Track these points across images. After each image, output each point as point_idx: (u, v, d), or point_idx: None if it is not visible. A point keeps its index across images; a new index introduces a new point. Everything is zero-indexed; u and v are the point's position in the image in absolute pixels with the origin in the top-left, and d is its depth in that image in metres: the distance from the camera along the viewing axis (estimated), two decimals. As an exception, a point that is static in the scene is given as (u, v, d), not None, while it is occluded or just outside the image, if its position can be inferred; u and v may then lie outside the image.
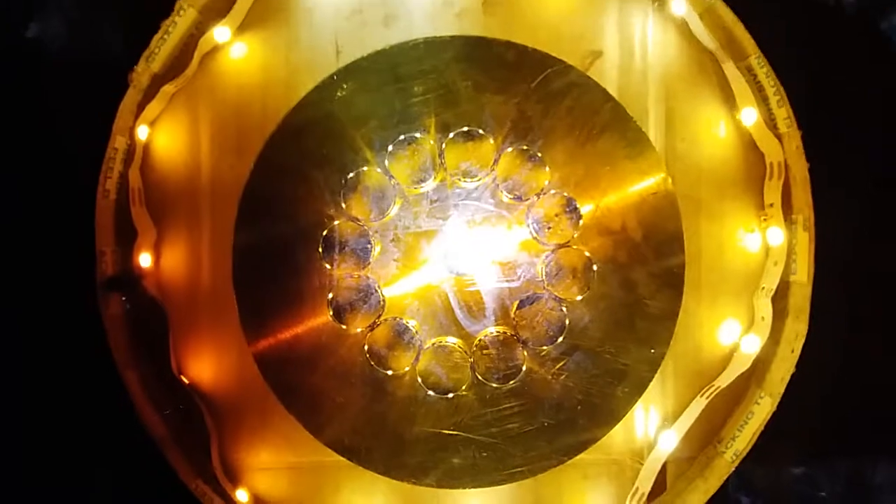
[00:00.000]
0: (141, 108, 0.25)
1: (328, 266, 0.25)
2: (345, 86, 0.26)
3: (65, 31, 0.24)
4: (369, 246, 0.25)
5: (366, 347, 0.25)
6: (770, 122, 0.26)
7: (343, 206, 0.25)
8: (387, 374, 0.25)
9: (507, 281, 0.25)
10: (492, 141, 0.26)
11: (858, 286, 0.24)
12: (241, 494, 0.25)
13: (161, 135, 0.25)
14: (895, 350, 0.24)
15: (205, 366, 0.25)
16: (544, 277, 0.25)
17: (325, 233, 0.25)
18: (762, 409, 0.25)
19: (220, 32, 0.25)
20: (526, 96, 0.26)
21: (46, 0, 0.24)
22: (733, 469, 0.24)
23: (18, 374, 0.24)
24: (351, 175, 0.25)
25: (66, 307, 0.24)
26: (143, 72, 0.24)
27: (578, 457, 0.26)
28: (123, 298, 0.24)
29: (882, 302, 0.24)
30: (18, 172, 0.24)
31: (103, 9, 0.24)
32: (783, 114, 0.26)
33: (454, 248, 0.25)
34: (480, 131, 0.26)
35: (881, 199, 0.24)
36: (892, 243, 0.24)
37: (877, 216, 0.24)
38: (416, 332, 0.25)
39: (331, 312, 0.24)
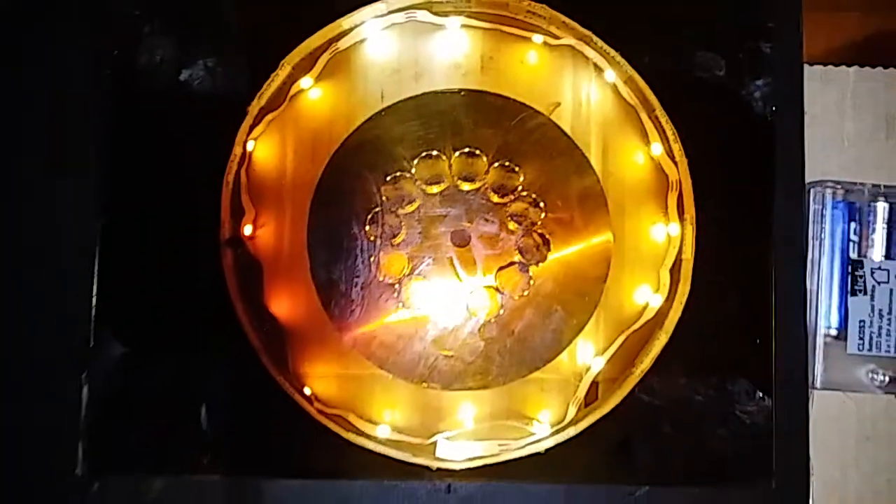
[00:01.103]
0: (251, 129, 0.37)
1: (373, 237, 0.37)
2: (386, 119, 0.38)
3: (207, 76, 0.36)
4: (400, 222, 0.37)
5: (397, 293, 0.37)
6: (669, 153, 0.38)
7: (384, 198, 0.37)
8: (408, 312, 0.37)
9: (492, 250, 0.37)
10: (484, 159, 0.38)
11: (725, 262, 0.37)
12: (307, 391, 0.36)
13: (262, 147, 0.38)
14: (743, 302, 0.36)
15: (285, 305, 0.37)
16: (518, 249, 0.37)
17: (369, 215, 0.37)
18: (661, 342, 0.37)
19: (305, 81, 0.38)
20: (508, 130, 0.38)
21: (194, 53, 0.36)
22: (639, 380, 0.36)
23: (158, 306, 0.36)
24: (389, 177, 0.38)
25: (196, 259, 0.36)
26: (255, 105, 0.37)
27: (535, 375, 0.38)
28: (235, 254, 0.36)
29: (742, 269, 0.37)
30: (172, 169, 0.36)
31: (233, 64, 0.36)
32: (678, 147, 0.38)
33: (457, 227, 0.37)
34: (477, 151, 0.38)
35: (739, 205, 0.37)
36: (741, 238, 0.37)
37: (734, 216, 0.37)
38: (427, 277, 0.37)
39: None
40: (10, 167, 0.37)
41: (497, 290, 0.37)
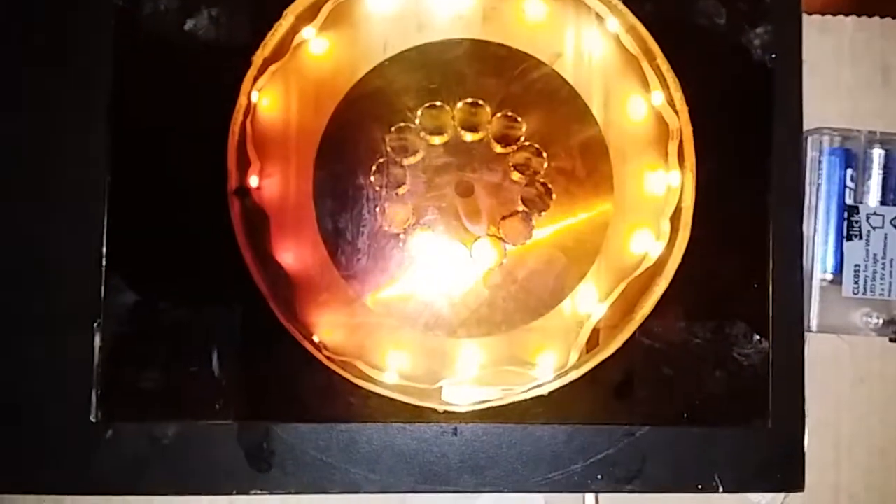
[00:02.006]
0: (255, 80, 0.37)
1: (378, 187, 0.38)
2: (389, 70, 0.39)
3: (210, 26, 0.36)
4: (405, 172, 0.38)
5: (402, 242, 0.38)
6: (670, 101, 0.39)
7: (389, 148, 0.38)
8: (413, 261, 0.37)
9: (495, 199, 0.38)
10: (488, 109, 0.39)
11: (723, 210, 0.38)
12: (315, 338, 0.37)
13: (266, 98, 0.38)
14: (741, 247, 0.37)
15: (292, 254, 0.38)
16: (521, 199, 0.38)
17: (374, 165, 0.38)
18: (661, 288, 0.38)
19: (307, 31, 0.38)
20: (511, 80, 0.39)
21: (198, 3, 0.36)
22: (639, 324, 0.37)
23: (167, 256, 0.36)
24: (393, 128, 0.38)
25: (204, 208, 0.36)
26: (259, 56, 0.37)
27: (538, 322, 0.39)
28: (242, 203, 0.37)
29: (740, 216, 0.38)
30: (178, 120, 0.36)
31: (237, 13, 0.37)
32: (679, 96, 0.38)
33: (461, 177, 0.38)
34: (480, 101, 0.38)
35: (738, 153, 0.38)
36: (740, 185, 0.37)
37: (733, 164, 0.38)
38: (432, 226, 0.38)
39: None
40: (15, 120, 0.37)
41: (500, 238, 0.38)
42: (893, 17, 0.41)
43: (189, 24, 0.36)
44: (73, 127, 0.37)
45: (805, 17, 0.39)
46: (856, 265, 0.38)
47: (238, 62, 0.36)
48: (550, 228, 0.38)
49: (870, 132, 0.38)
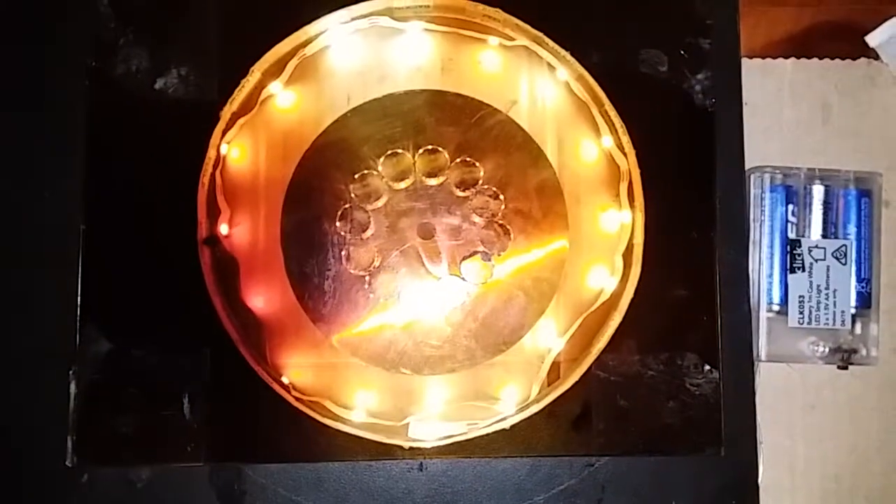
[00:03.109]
0: (224, 133, 0.40)
1: (343, 232, 0.40)
2: (353, 120, 0.41)
3: (180, 85, 0.38)
4: (369, 217, 0.40)
5: (367, 284, 0.40)
6: (619, 145, 0.41)
7: (353, 195, 0.40)
8: (378, 302, 0.39)
9: (456, 241, 0.40)
10: (446, 155, 0.41)
11: (673, 245, 0.40)
12: (285, 380, 0.39)
13: (235, 150, 0.40)
14: (690, 282, 0.39)
15: (262, 298, 0.40)
16: (480, 240, 0.40)
17: (340, 211, 0.40)
18: (615, 322, 0.40)
19: (274, 86, 0.40)
20: (468, 128, 0.41)
21: (168, 63, 0.39)
22: (595, 357, 0.39)
23: (140, 304, 0.38)
24: (357, 175, 0.40)
25: (175, 258, 0.38)
26: (227, 110, 0.39)
27: (500, 357, 0.41)
28: (212, 251, 0.39)
29: (688, 251, 0.40)
30: (150, 173, 0.38)
31: (205, 71, 0.39)
32: (627, 140, 0.41)
33: (422, 221, 0.40)
34: (439, 149, 0.41)
35: (685, 191, 0.40)
36: (687, 222, 0.40)
37: (680, 202, 0.40)
38: (395, 268, 0.40)
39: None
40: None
41: (461, 278, 0.40)
42: (831, 59, 0.44)
43: (160, 83, 0.38)
44: (49, 177, 0.39)
45: (746, 60, 0.42)
46: (800, 296, 0.40)
47: (207, 117, 0.39)
48: (510, 267, 0.40)
49: (809, 169, 0.41)
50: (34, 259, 0.38)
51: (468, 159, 0.41)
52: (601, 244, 0.41)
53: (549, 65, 0.41)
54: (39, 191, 0.39)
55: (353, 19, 0.41)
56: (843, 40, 0.43)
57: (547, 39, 0.41)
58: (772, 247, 0.40)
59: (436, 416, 0.39)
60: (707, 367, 0.39)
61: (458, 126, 0.41)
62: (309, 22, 0.40)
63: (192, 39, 0.39)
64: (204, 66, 0.39)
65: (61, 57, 0.39)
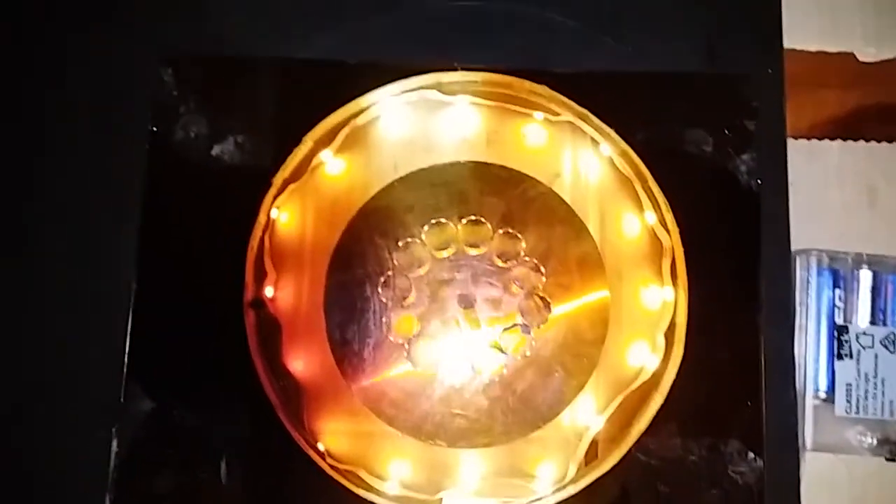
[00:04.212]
0: (275, 198, 0.41)
1: (385, 299, 0.41)
2: (399, 188, 0.42)
3: (236, 151, 0.40)
4: (410, 285, 0.41)
5: (406, 352, 0.40)
6: (662, 221, 0.42)
7: (396, 262, 0.41)
8: (416, 371, 0.40)
9: (496, 312, 0.41)
10: (489, 226, 0.42)
11: (716, 326, 0.40)
12: (321, 446, 0.39)
13: (284, 214, 0.42)
14: (734, 365, 0.39)
15: (301, 362, 0.40)
16: (520, 312, 0.41)
17: (382, 278, 0.41)
18: (656, 403, 0.40)
19: (325, 154, 0.42)
20: (511, 199, 0.42)
21: (225, 131, 0.41)
22: (636, 440, 0.39)
23: (184, 363, 0.39)
24: (401, 242, 0.41)
25: (221, 319, 0.40)
26: (279, 176, 0.41)
27: (537, 433, 0.40)
28: (257, 314, 0.40)
29: (732, 333, 0.40)
30: (201, 235, 0.40)
31: (260, 139, 0.41)
32: (670, 217, 0.41)
33: (463, 290, 0.41)
34: (482, 219, 0.42)
35: (729, 272, 0.40)
36: (731, 303, 0.40)
37: (725, 282, 0.40)
38: (435, 337, 0.40)
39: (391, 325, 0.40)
40: (51, 228, 0.41)
41: (500, 350, 0.40)
42: (878, 141, 0.44)
43: (216, 150, 0.40)
44: (104, 237, 0.41)
45: (791, 141, 0.43)
46: (847, 384, 0.39)
47: (260, 183, 0.40)
48: (549, 341, 0.41)
49: (857, 254, 0.41)
50: (85, 315, 0.40)
51: (511, 231, 0.42)
52: (643, 321, 0.41)
53: (593, 140, 0.42)
54: (95, 248, 0.40)
55: (403, 92, 0.42)
56: (890, 123, 0.43)
57: (591, 116, 0.42)
58: (818, 332, 0.40)
59: (471, 492, 0.39)
60: (751, 455, 0.38)
61: (501, 197, 0.42)
62: (361, 94, 0.42)
63: (249, 109, 0.41)
64: (260, 134, 0.41)
65: (125, 121, 0.41)
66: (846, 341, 0.39)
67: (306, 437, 0.39)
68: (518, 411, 0.40)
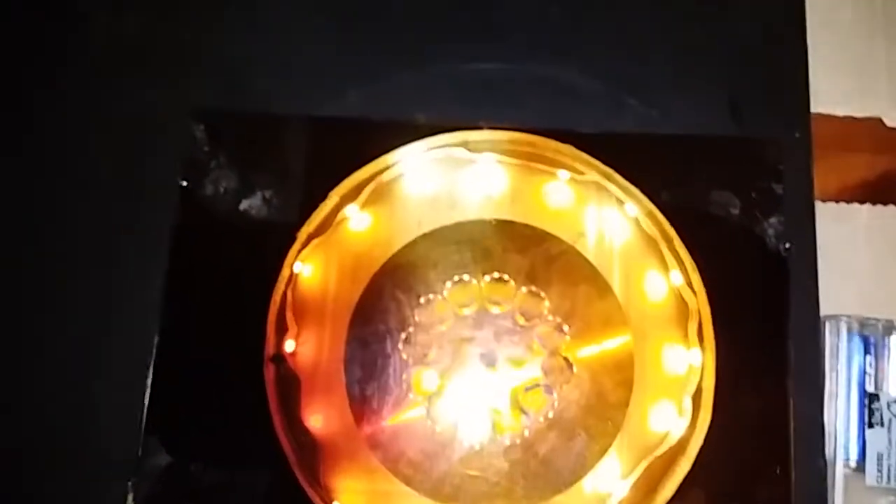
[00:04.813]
0: (299, 252, 0.42)
1: (405, 356, 0.41)
2: (423, 245, 0.43)
3: (263, 206, 0.41)
4: (432, 342, 0.41)
5: (426, 411, 0.40)
6: (688, 283, 0.42)
7: (417, 318, 0.41)
8: (435, 431, 0.40)
9: (518, 371, 0.40)
10: (513, 284, 0.42)
11: (744, 392, 0.39)
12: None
13: (307, 267, 0.42)
14: (762, 431, 0.38)
15: (320, 418, 0.40)
16: (543, 371, 0.40)
17: (403, 335, 0.41)
18: (683, 469, 0.39)
19: (350, 209, 0.43)
20: (535, 257, 0.42)
21: (253, 186, 0.41)
22: (662, 509, 0.38)
23: (203, 417, 0.39)
24: (423, 299, 0.42)
25: (241, 373, 0.40)
26: (304, 231, 0.42)
27: (559, 497, 0.40)
28: (277, 369, 0.40)
29: (760, 399, 0.39)
30: (225, 288, 0.41)
31: (288, 194, 0.42)
32: (696, 278, 0.41)
33: (485, 349, 0.41)
34: (506, 277, 0.42)
35: (757, 336, 0.40)
36: (759, 368, 0.39)
37: (752, 347, 0.40)
38: (456, 396, 0.40)
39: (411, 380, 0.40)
40: (75, 279, 0.42)
41: (522, 411, 0.40)
42: (907, 205, 0.44)
43: (244, 204, 0.41)
44: (129, 289, 0.41)
45: (820, 204, 0.43)
46: (878, 453, 0.38)
47: (284, 237, 0.41)
48: (572, 402, 0.40)
49: (888, 320, 0.40)
50: (106, 367, 0.40)
51: (534, 289, 0.42)
52: (669, 384, 0.40)
53: (618, 199, 0.43)
54: (118, 300, 0.41)
55: (429, 150, 0.43)
56: (919, 187, 0.43)
57: (616, 175, 0.42)
58: (848, 399, 0.39)
59: (490, 558, 0.38)
60: (781, 527, 0.37)
61: (525, 255, 0.42)
62: (388, 151, 0.42)
63: (277, 164, 0.42)
64: (287, 189, 0.42)
65: (153, 174, 0.42)
66: (877, 409, 0.38)
67: (322, 494, 0.38)
68: (539, 475, 0.39)
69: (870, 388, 0.39)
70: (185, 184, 0.41)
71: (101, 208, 0.43)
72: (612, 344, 0.41)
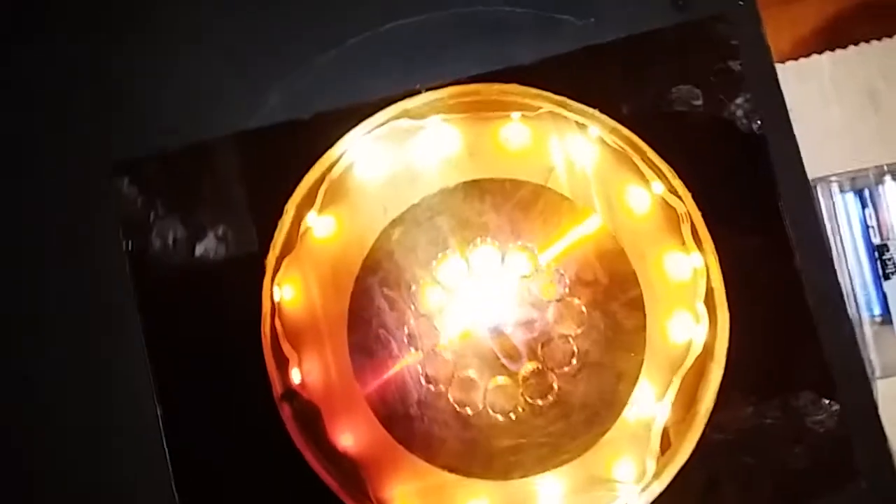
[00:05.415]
0: (273, 279, 0.39)
1: (414, 349, 0.39)
2: (395, 232, 0.41)
3: (220, 245, 0.38)
4: (436, 329, 0.39)
5: (451, 398, 0.39)
6: (671, 189, 0.40)
7: (414, 308, 0.40)
8: (467, 414, 0.39)
9: (530, 333, 0.39)
10: (498, 245, 0.40)
11: (754, 280, 0.39)
12: (390, 516, 0.38)
13: (287, 291, 0.40)
14: (783, 314, 0.38)
15: (350, 436, 0.39)
16: (554, 324, 0.39)
17: (406, 330, 0.40)
18: (716, 376, 0.39)
19: (310, 217, 0.40)
20: (513, 209, 0.41)
21: (203, 228, 0.39)
22: (706, 419, 0.38)
23: (232, 473, 0.38)
24: (413, 288, 0.40)
25: (255, 419, 0.38)
26: (271, 256, 0.39)
27: (606, 437, 0.39)
28: (291, 405, 0.38)
29: (772, 282, 0.38)
30: (210, 339, 0.38)
31: (241, 224, 0.39)
32: (678, 182, 0.40)
33: (492, 319, 0.39)
34: (489, 240, 0.40)
35: (752, 221, 0.39)
36: (763, 252, 0.38)
37: (750, 233, 0.39)
38: (476, 374, 0.39)
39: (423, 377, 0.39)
40: (58, 377, 0.39)
41: (546, 368, 0.39)
42: (867, 41, 0.42)
43: (199, 250, 0.38)
44: (118, 372, 0.39)
45: (779, 66, 0.41)
46: (902, 301, 0.38)
47: (253, 269, 0.38)
48: (591, 343, 0.39)
49: (876, 167, 0.39)
50: (119, 459, 0.38)
51: (522, 244, 0.40)
52: (678, 294, 0.40)
53: (579, 124, 0.40)
54: (107, 386, 0.39)
55: (371, 130, 0.40)
56: (875, 19, 0.42)
57: (570, 101, 0.40)
58: (858, 257, 0.39)
59: (557, 515, 0.38)
60: (825, 401, 0.37)
61: (500, 212, 0.40)
62: (329, 146, 0.39)
63: (220, 196, 0.39)
64: (238, 219, 0.39)
65: (97, 241, 0.39)
66: (888, 259, 0.38)
67: (376, 507, 0.38)
68: (580, 422, 0.39)
69: (876, 241, 0.39)
70: (129, 247, 0.38)
71: (56, 292, 0.39)
72: (613, 272, 0.40)
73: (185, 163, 0.39)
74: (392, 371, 0.39)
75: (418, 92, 0.40)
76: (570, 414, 0.39)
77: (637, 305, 0.40)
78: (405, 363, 0.39)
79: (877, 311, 0.39)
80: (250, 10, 0.39)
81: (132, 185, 0.39)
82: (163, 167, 0.39)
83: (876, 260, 0.39)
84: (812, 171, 0.40)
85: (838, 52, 0.42)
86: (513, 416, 0.39)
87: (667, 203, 0.40)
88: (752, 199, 0.39)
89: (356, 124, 0.39)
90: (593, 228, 0.40)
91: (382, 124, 0.40)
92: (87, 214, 0.39)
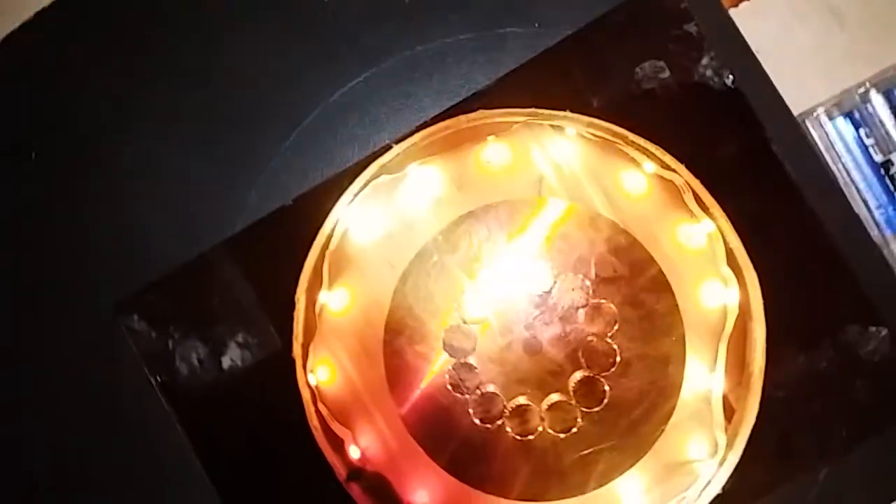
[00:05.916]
0: (304, 366, 0.40)
1: (461, 394, 0.39)
2: (408, 285, 0.40)
3: (244, 351, 0.38)
4: (476, 370, 0.39)
5: (509, 430, 0.39)
6: (664, 165, 0.40)
7: (450, 355, 0.39)
8: (529, 441, 0.39)
9: (564, 350, 0.39)
10: (512, 269, 0.40)
11: (770, 230, 0.38)
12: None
13: (322, 373, 0.40)
14: (808, 256, 0.38)
15: (423, 493, 0.39)
16: (586, 328, 0.39)
17: (448, 378, 0.40)
18: (759, 333, 0.39)
19: (322, 296, 0.40)
20: (515, 230, 0.40)
21: (223, 340, 0.38)
22: (762, 380, 0.38)
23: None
24: (444, 334, 0.40)
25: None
26: (297, 349, 0.39)
27: (671, 422, 0.39)
28: (359, 483, 0.38)
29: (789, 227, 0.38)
30: (262, 444, 0.38)
31: (258, 326, 0.39)
32: (668, 158, 0.39)
33: (525, 340, 0.39)
34: (501, 266, 0.40)
35: (752, 175, 0.39)
36: (770, 201, 0.38)
37: (753, 187, 0.38)
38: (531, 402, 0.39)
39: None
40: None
41: (593, 374, 0.39)
42: (811, -41, 0.42)
43: (226, 362, 0.38)
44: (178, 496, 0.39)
45: (734, 13, 0.40)
46: (920, 211, 0.38)
47: (283, 365, 0.39)
48: (628, 339, 0.39)
49: (858, 84, 0.39)
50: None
51: (534, 261, 0.40)
52: (699, 263, 0.39)
53: (554, 127, 0.40)
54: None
55: (355, 196, 0.40)
56: (814, -64, 0.41)
57: (540, 110, 0.39)
58: (865, 179, 0.38)
59: (644, 511, 0.38)
60: (873, 329, 0.37)
61: (504, 235, 0.40)
62: (320, 224, 0.39)
63: (229, 304, 0.39)
64: (254, 321, 0.39)
65: (129, 384, 0.39)
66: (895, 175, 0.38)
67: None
68: (641, 415, 0.39)
69: (878, 158, 0.38)
70: (158, 380, 0.38)
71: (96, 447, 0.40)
72: (630, 262, 0.40)
73: (185, 283, 0.39)
74: (445, 422, 0.39)
75: (389, 147, 0.39)
76: (629, 411, 0.39)
77: (663, 287, 0.39)
78: (455, 411, 0.39)
79: (898, 225, 0.39)
80: (204, 120, 0.39)
81: (142, 321, 0.39)
82: (165, 294, 0.39)
83: (883, 177, 0.38)
84: (796, 107, 0.39)
85: (787, -21, 0.41)
86: (574, 429, 0.39)
87: (663, 179, 0.40)
88: (746, 153, 0.39)
89: (339, 195, 0.39)
90: (598, 223, 0.40)
91: (364, 186, 0.40)
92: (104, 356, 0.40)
